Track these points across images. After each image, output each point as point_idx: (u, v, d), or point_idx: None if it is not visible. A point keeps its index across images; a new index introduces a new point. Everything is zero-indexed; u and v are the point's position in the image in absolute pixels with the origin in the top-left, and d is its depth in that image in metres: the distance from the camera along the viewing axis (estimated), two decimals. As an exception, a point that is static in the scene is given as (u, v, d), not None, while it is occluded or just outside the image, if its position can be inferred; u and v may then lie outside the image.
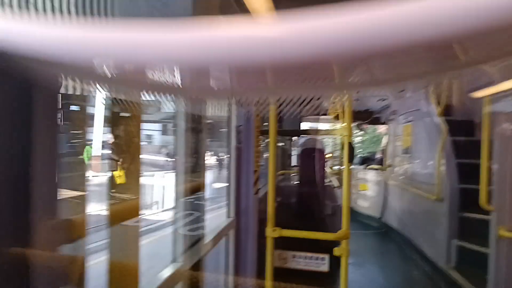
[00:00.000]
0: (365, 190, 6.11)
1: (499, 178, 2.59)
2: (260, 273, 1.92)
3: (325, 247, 2.05)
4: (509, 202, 2.53)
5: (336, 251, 1.87)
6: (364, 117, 6.53)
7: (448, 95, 3.92)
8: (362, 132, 8.06)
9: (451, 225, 3.49)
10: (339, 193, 4.59)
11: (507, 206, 2.54)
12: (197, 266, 1.24)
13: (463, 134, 4.18)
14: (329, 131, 2.78)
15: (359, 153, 6.68)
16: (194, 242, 1.24)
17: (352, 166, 6.77)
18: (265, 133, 2.12)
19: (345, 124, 1.93)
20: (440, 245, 3.65)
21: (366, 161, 6.52)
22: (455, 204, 3.46)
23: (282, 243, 1.99)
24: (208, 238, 1.42)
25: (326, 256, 2.03)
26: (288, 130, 2.37)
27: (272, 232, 1.83)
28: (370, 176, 6.01)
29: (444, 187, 3.60)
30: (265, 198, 2.00)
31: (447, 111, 4.04)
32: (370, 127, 7.98)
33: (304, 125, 5.56)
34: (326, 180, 3.90)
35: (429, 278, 3.73)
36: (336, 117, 5.81)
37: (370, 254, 4.40)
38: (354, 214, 6.26)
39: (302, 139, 3.91)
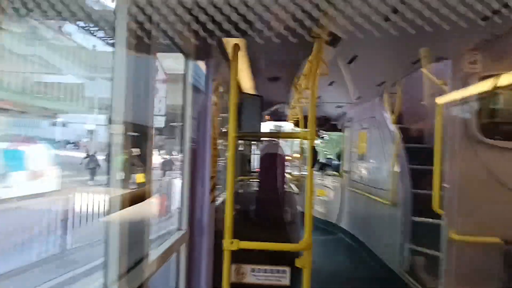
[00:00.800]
0: (323, 195, 6.19)
1: (450, 183, 2.70)
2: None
3: (287, 257, 1.94)
4: (458, 207, 2.64)
5: (298, 262, 1.77)
6: (321, 123, 6.65)
7: (400, 103, 4.09)
8: (319, 138, 8.24)
9: (405, 229, 3.59)
10: (299, 200, 4.57)
11: (456, 210, 2.65)
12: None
13: (415, 141, 4.40)
14: (292, 134, 2.70)
15: (316, 159, 6.77)
16: (136, 263, 1.05)
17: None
18: (223, 135, 1.98)
19: (308, 128, 1.85)
20: (394, 248, 3.75)
21: (323, 167, 6.62)
22: (408, 208, 3.58)
23: (240, 256, 1.84)
24: (153, 256, 1.22)
25: (287, 269, 1.92)
26: (248, 132, 2.24)
27: (229, 244, 1.68)
28: (327, 182, 6.11)
29: (398, 192, 3.71)
30: (222, 207, 1.85)
31: (399, 119, 4.21)
32: (327, 134, 8.17)
33: (264, 129, 5.50)
34: (286, 186, 3.83)
35: (383, 281, 3.80)
36: (296, 123, 5.87)
37: (325, 260, 4.41)
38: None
39: (263, 143, 3.82)
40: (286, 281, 1.92)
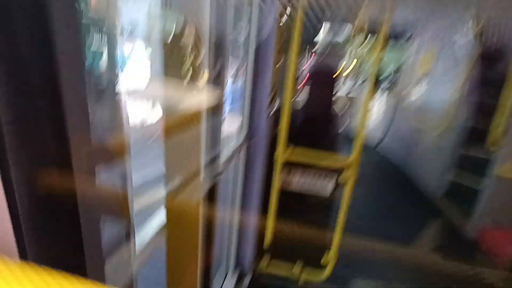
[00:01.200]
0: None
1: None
2: (266, 195, 1.98)
3: (332, 171, 2.09)
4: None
5: (343, 177, 1.92)
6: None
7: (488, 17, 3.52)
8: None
9: (451, 160, 3.56)
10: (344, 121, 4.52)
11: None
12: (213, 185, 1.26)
13: (493, 64, 3.91)
14: (356, 45, 2.57)
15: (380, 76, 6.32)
16: (212, 158, 1.23)
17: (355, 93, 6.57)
18: (284, 50, 1.94)
19: (380, 35, 1.75)
20: (434, 176, 3.81)
21: (376, 83, 6.29)
22: (459, 140, 3.48)
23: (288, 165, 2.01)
24: (224, 157, 1.41)
25: (332, 181, 2.09)
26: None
27: (282, 154, 1.84)
28: (376, 101, 5.90)
29: (452, 122, 3.55)
30: (277, 118, 1.96)
31: (481, 35, 3.66)
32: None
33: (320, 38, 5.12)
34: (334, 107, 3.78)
35: (416, 206, 3.96)
36: (361, 29, 5.36)
37: (362, 181, 4.56)
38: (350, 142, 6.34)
39: (313, 59, 3.65)
40: (327, 192, 2.11)
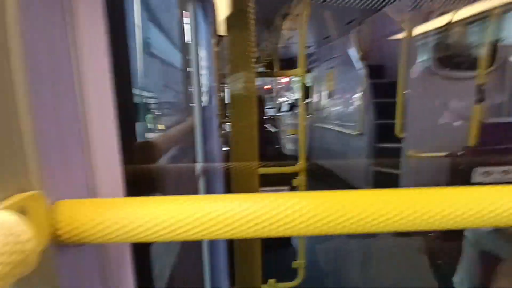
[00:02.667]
0: (294, 134, 6.66)
1: (411, 110, 3.17)
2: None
3: (282, 180, 2.30)
4: (416, 131, 3.16)
5: (295, 181, 2.15)
6: (290, 64, 6.84)
7: (367, 41, 4.39)
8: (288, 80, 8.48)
9: (369, 154, 4.16)
10: (276, 137, 4.92)
11: (415, 134, 3.17)
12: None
13: (378, 77, 4.82)
14: (283, 72, 2.93)
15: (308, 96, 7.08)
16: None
17: (281, 113, 7.20)
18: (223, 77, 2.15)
19: (298, 66, 2.10)
20: (359, 172, 4.37)
21: (293, 108, 6.99)
22: (373, 136, 4.11)
23: None
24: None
25: (286, 188, 2.29)
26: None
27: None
28: (297, 121, 6.53)
29: (363, 123, 4.20)
30: (226, 141, 2.10)
31: (366, 56, 4.54)
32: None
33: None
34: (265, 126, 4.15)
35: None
36: (268, 66, 6.01)
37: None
38: (283, 157, 6.83)
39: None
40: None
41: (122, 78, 0.66)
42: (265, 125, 4.09)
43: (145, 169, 0.83)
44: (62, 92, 0.41)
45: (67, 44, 0.42)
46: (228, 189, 1.59)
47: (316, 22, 4.13)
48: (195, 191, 1.59)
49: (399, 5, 3.17)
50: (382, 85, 4.28)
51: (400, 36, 3.25)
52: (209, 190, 1.80)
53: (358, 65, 4.33)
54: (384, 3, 3.10)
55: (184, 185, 1.32)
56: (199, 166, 1.63)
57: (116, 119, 0.52)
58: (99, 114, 0.46)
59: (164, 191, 0.92)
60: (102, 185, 0.47)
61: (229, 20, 1.32)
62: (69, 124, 0.42)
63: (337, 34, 4.64)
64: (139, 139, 0.84)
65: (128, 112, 0.74)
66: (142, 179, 0.77)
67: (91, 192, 0.46)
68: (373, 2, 3.34)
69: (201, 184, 1.71)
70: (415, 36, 3.12)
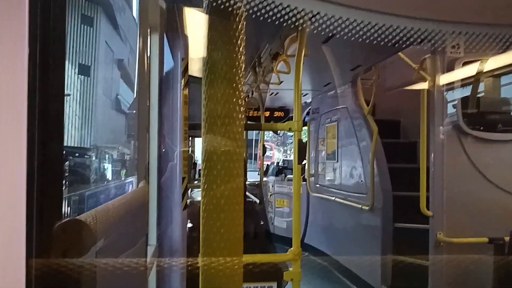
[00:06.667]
0: (284, 206, 6.55)
1: (436, 181, 3.18)
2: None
3: (269, 273, 2.16)
4: (446, 207, 3.14)
5: (287, 275, 2.00)
6: (279, 116, 7.03)
7: (376, 91, 4.59)
8: (277, 135, 8.63)
9: (386, 238, 4.06)
10: (261, 211, 4.81)
11: (445, 211, 3.14)
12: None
13: (391, 135, 4.96)
14: (274, 126, 2.93)
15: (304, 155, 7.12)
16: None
17: (267, 178, 7.19)
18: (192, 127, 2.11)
19: (295, 118, 2.10)
20: (374, 262, 4.22)
21: (283, 171, 7.00)
22: (390, 214, 4.06)
23: None
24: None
25: (274, 284, 2.14)
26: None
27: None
28: (289, 189, 6.49)
29: (377, 196, 4.18)
30: (194, 215, 1.99)
31: (373, 111, 4.71)
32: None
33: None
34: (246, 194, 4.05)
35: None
36: (251, 117, 6.14)
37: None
38: (271, 237, 6.63)
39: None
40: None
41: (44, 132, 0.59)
42: (246, 194, 4.00)
43: (66, 264, 0.72)
44: None
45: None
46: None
47: (315, 65, 4.32)
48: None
49: (417, 49, 3.39)
50: (400, 146, 4.37)
51: (420, 86, 3.40)
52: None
53: (368, 120, 4.45)
54: (398, 45, 3.29)
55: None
56: (152, 259, 1.48)
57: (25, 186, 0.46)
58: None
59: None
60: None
61: (207, 56, 1.32)
62: None
63: (341, 80, 4.85)
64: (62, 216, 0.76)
65: (50, 174, 0.65)
66: (60, 279, 0.67)
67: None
68: (385, 42, 3.55)
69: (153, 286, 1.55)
70: (439, 87, 3.27)
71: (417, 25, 1.00)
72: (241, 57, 1.31)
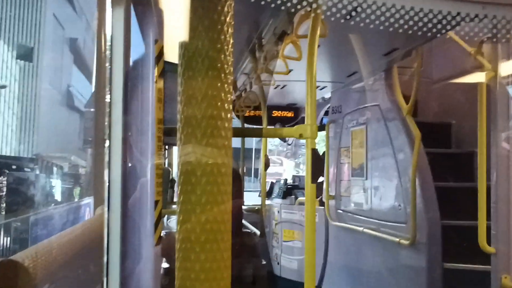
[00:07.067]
0: (293, 240, 6.51)
1: (501, 207, 3.15)
2: None
3: None
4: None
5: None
6: (288, 116, 7.03)
7: (419, 83, 4.58)
8: (284, 142, 8.63)
9: (432, 282, 4.03)
10: (263, 246, 4.80)
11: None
12: None
13: (439, 143, 4.94)
14: (280, 131, 2.92)
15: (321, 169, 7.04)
16: None
17: (271, 201, 7.18)
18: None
19: (307, 120, 2.09)
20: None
21: (292, 191, 6.97)
22: (438, 250, 4.03)
23: None
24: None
25: None
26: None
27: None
28: (301, 216, 6.46)
29: (420, 226, 4.15)
30: (170, 252, 1.98)
31: (414, 111, 4.69)
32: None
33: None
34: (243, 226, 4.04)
35: None
36: (249, 118, 6.14)
37: None
38: (276, 281, 6.60)
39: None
40: None
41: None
42: (242, 222, 3.98)
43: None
44: None
45: None
46: None
47: (335, 48, 4.31)
48: None
49: (472, 29, 3.37)
50: (451, 158, 4.34)
51: (478, 78, 3.39)
52: None
53: (408, 122, 4.43)
54: (449, 22, 3.29)
55: None
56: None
57: None
58: None
59: None
60: None
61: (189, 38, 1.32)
62: None
63: (371, 68, 4.84)
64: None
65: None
66: None
67: None
68: (429, 20, 3.54)
69: None
70: (502, 79, 3.26)
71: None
72: (230, 38, 1.31)
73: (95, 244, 1.46)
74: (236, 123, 6.39)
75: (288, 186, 7.28)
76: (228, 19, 1.31)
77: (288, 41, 3.08)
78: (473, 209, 3.24)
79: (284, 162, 30.63)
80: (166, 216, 5.12)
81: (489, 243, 3.18)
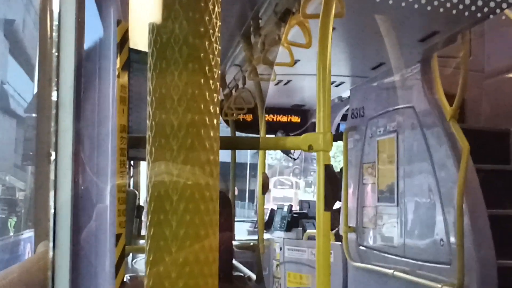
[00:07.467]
0: (301, 286, 6.52)
1: None
2: None
3: None
4: None
5: None
6: (293, 122, 7.05)
7: (466, 79, 4.62)
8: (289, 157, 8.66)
9: None
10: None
11: None
12: None
13: (494, 158, 4.95)
14: (284, 141, 2.93)
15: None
16: None
17: (270, 235, 7.20)
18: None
19: (318, 128, 2.11)
20: None
21: (298, 222, 6.98)
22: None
23: None
24: None
25: None
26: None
27: None
28: (310, 253, 6.46)
29: (469, 267, 4.16)
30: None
31: (461, 114, 4.69)
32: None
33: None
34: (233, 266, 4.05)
35: None
36: (240, 124, 6.15)
37: None
38: None
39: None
40: None
41: None
42: (233, 262, 4.00)
43: None
44: None
45: None
46: None
47: (355, 33, 4.35)
48: None
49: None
50: (510, 177, 4.35)
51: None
52: None
53: (452, 129, 4.46)
54: (504, 2, 3.34)
55: None
56: None
57: None
58: None
59: None
60: None
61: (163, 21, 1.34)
62: None
63: (402, 59, 4.87)
64: None
65: None
66: None
67: None
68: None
69: None
70: None
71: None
72: (217, 20, 1.32)
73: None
74: (225, 130, 6.39)
75: (294, 215, 7.29)
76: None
77: (294, 23, 3.11)
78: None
79: (295, 183, 30.32)
80: (131, 254, 5.12)
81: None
